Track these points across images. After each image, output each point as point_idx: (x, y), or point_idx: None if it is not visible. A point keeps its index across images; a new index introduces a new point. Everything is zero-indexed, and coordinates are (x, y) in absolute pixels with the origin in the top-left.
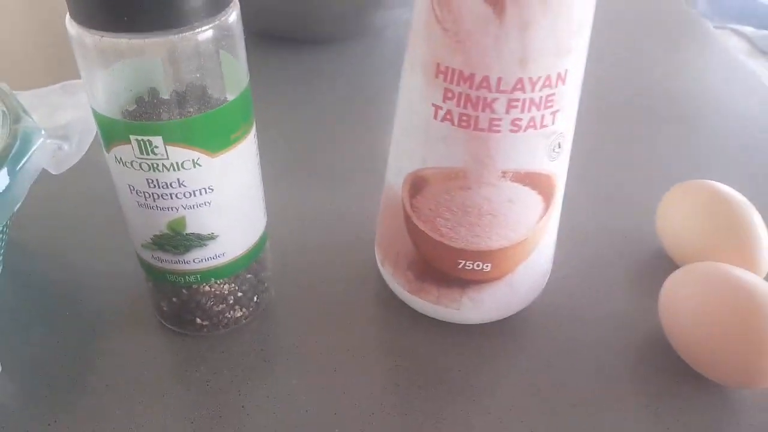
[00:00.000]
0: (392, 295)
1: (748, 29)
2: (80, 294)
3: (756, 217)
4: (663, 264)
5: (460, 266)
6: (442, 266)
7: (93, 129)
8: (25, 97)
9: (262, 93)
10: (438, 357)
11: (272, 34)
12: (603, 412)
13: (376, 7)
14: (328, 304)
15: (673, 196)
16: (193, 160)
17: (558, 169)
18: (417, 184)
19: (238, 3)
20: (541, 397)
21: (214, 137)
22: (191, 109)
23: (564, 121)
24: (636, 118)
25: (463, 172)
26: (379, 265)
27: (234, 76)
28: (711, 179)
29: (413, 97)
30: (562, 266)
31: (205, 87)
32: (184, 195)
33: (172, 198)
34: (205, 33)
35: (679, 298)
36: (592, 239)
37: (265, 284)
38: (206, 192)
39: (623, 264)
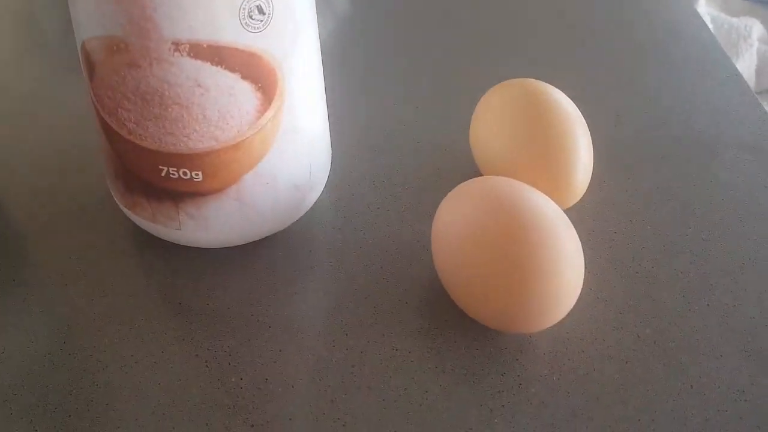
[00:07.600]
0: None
1: None
2: None
3: (580, 129)
4: None
5: (164, 174)
6: (144, 174)
7: None
8: None
9: None
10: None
11: None
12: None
13: None
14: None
15: (488, 99)
16: None
17: (274, 47)
18: (89, 62)
19: None
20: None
21: None
22: None
23: None
24: None
25: (124, 43)
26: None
27: None
28: (541, 77)
29: None
30: (336, 188)
31: None
32: None
33: None
34: None
35: (449, 225)
36: (386, 152)
37: None
38: None
39: (437, 186)
